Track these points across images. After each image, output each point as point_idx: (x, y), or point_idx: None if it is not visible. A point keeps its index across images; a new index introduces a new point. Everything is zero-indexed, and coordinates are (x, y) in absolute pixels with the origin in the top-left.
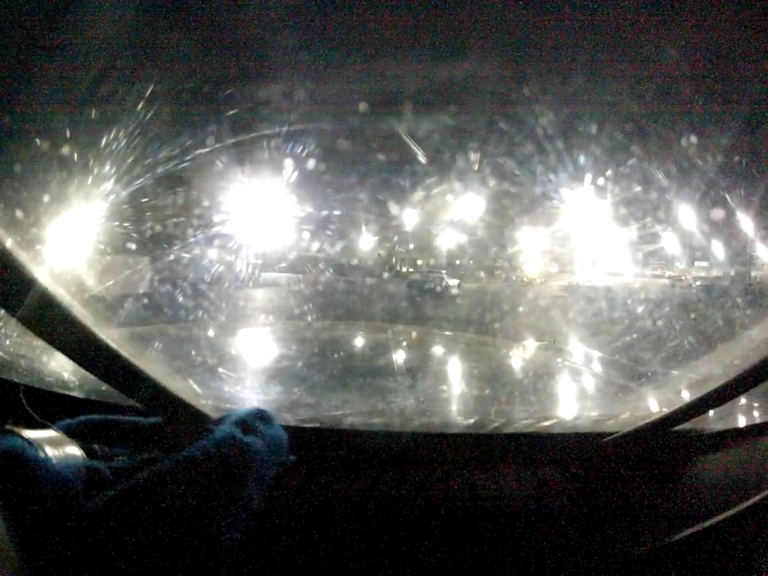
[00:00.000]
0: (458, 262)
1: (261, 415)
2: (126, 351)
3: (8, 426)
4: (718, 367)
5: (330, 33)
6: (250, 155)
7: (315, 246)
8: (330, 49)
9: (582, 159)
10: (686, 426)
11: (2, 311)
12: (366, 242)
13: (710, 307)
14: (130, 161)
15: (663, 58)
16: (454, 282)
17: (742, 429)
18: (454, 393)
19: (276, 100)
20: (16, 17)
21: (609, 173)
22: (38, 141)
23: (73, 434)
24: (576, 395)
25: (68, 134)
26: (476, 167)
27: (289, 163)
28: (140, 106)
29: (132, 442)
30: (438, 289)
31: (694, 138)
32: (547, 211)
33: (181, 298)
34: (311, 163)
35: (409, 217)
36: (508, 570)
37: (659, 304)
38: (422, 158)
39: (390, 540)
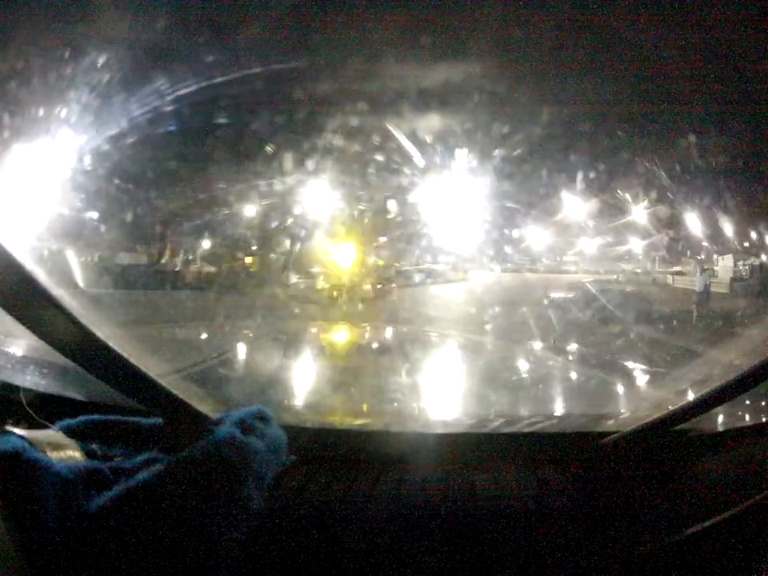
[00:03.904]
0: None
1: (260, 415)
2: (126, 351)
3: (8, 426)
4: (717, 367)
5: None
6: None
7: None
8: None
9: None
10: (686, 425)
11: (2, 311)
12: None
13: None
14: None
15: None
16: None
17: (742, 429)
18: (453, 393)
19: None
20: None
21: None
22: None
23: (73, 434)
24: (576, 395)
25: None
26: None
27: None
28: None
29: (132, 442)
30: None
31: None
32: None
33: None
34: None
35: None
36: (508, 570)
37: None
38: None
39: (390, 540)
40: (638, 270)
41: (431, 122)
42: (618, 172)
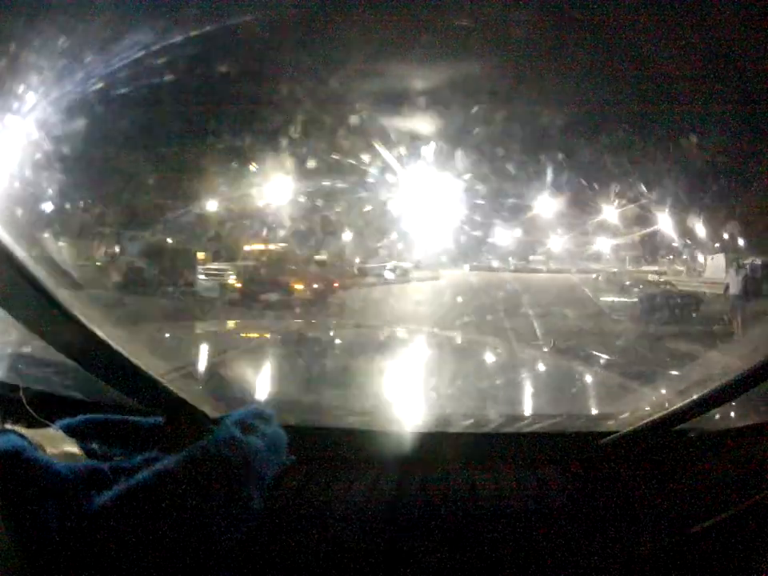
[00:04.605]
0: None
1: (261, 415)
2: (126, 351)
3: (8, 426)
4: (717, 367)
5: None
6: None
7: None
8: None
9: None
10: (686, 425)
11: (2, 311)
12: None
13: None
14: None
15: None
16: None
17: (742, 429)
18: (453, 393)
19: None
20: None
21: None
22: None
23: (73, 433)
24: (576, 395)
25: None
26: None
27: None
28: None
29: (132, 442)
30: None
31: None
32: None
33: None
34: None
35: None
36: (508, 570)
37: None
38: None
39: (390, 540)
40: (615, 270)
41: (402, 118)
42: (592, 170)
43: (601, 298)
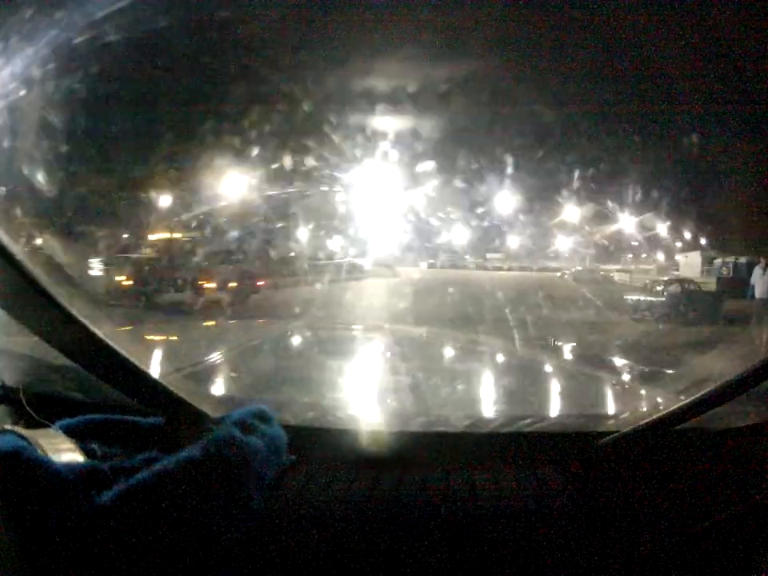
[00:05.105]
0: None
1: (261, 415)
2: (126, 351)
3: (8, 426)
4: (717, 367)
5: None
6: None
7: None
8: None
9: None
10: (686, 425)
11: (2, 311)
12: None
13: None
14: None
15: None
16: None
17: (742, 429)
18: (453, 393)
19: None
20: None
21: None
22: None
23: (73, 433)
24: (576, 395)
25: None
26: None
27: None
28: None
29: (132, 442)
30: None
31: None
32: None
33: None
34: None
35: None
36: (508, 570)
37: None
38: None
39: (390, 540)
40: (579, 268)
41: (362, 116)
42: (555, 168)
43: (625, 296)
